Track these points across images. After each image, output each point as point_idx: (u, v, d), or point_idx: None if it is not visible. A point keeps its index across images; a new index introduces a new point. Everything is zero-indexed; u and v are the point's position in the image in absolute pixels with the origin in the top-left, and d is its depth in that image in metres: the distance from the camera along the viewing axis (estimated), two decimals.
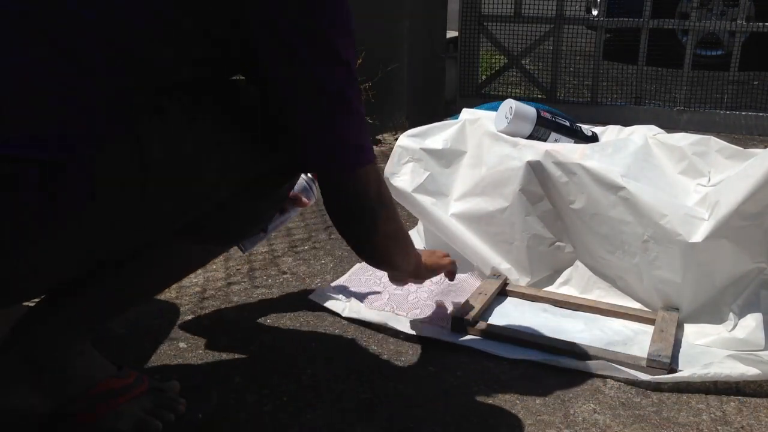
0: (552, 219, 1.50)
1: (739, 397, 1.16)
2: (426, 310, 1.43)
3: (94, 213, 0.82)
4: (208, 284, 1.54)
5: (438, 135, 1.66)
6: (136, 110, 0.84)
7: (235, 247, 1.37)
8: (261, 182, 0.99)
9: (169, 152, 0.85)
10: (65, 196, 0.79)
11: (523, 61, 3.44)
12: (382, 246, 1.05)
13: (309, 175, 1.39)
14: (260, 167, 0.96)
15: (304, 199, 1.36)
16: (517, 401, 1.14)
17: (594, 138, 1.65)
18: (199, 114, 0.89)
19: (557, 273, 1.53)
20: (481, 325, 1.35)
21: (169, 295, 1.47)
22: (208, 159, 0.90)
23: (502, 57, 3.50)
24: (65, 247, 0.83)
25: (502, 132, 1.57)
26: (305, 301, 1.46)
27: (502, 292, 1.50)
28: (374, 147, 2.81)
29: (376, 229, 1.00)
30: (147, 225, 0.89)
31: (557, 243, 1.51)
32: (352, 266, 1.64)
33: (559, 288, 1.52)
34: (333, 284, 1.54)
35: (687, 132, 1.69)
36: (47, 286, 0.94)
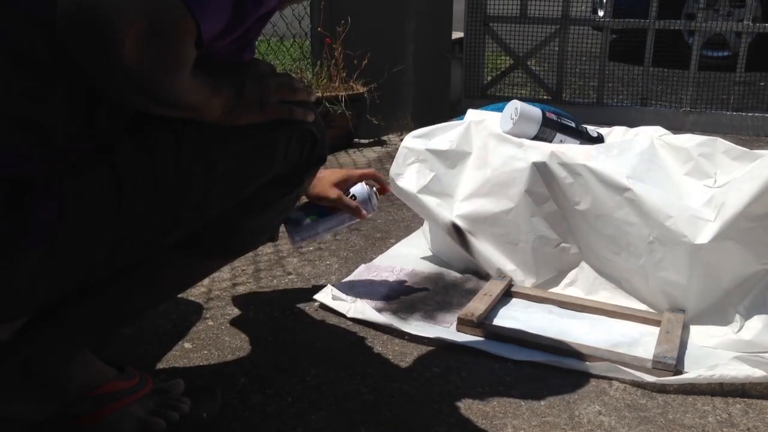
0: (557, 220, 1.50)
1: (745, 399, 1.16)
2: (431, 311, 1.43)
3: (67, 231, 0.79)
4: (214, 285, 1.54)
5: (443, 136, 1.66)
6: (106, 120, 0.80)
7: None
8: (262, 195, 0.99)
9: (143, 168, 0.83)
10: (35, 214, 0.76)
11: (528, 62, 3.43)
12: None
13: (371, 188, 1.43)
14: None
15: (364, 212, 1.41)
16: (522, 402, 1.14)
17: (599, 139, 1.64)
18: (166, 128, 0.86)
19: (562, 274, 1.53)
20: (486, 326, 1.35)
21: None
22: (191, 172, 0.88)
23: (508, 58, 3.49)
24: (39, 267, 0.80)
25: (507, 133, 1.56)
26: (310, 302, 1.46)
27: (507, 293, 1.50)
28: (380, 148, 2.81)
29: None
30: (125, 242, 0.87)
31: (562, 244, 1.51)
32: (357, 267, 1.64)
33: (564, 289, 1.51)
34: (338, 285, 1.54)
35: (693, 133, 1.68)
36: (29, 307, 0.91)
